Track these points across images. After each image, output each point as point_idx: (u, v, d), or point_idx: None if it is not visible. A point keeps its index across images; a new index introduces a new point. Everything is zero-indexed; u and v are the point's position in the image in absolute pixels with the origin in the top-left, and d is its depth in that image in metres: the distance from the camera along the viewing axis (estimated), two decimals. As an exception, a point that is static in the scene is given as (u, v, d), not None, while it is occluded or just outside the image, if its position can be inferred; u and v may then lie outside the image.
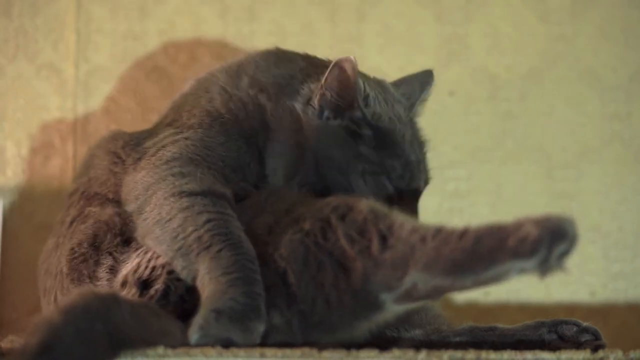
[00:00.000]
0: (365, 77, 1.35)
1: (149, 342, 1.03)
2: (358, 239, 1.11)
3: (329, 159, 1.28)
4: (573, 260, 1.67)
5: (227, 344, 1.06)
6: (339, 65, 1.27)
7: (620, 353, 1.10)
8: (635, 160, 1.75)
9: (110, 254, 1.23)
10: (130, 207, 1.25)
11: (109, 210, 1.27)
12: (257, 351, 1.04)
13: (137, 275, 1.19)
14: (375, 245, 1.09)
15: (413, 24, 1.77)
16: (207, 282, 1.12)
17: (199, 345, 1.06)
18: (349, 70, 1.27)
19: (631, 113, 1.76)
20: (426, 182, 1.37)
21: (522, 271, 1.02)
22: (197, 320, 1.08)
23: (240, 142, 1.31)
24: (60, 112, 1.77)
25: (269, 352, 1.04)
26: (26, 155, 1.75)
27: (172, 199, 1.20)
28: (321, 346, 1.07)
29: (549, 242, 0.99)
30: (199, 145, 1.28)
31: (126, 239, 1.24)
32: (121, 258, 1.22)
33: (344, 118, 1.29)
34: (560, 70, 1.77)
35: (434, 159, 1.74)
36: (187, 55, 1.77)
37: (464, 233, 1.05)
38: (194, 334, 1.07)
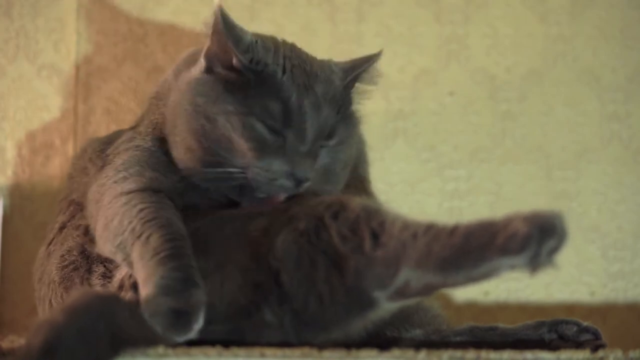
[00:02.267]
0: (269, 37, 1.32)
1: (149, 342, 1.04)
2: (350, 237, 1.11)
3: (197, 107, 1.24)
4: (572, 260, 1.71)
5: (174, 319, 1.06)
6: (213, 16, 1.25)
7: (619, 353, 1.11)
8: (634, 160, 1.75)
9: (102, 262, 1.24)
10: (90, 224, 1.28)
11: None
12: (257, 351, 1.05)
13: (132, 280, 1.19)
14: (368, 243, 1.09)
15: (413, 24, 1.78)
16: (140, 269, 1.13)
17: (154, 327, 1.06)
18: (216, 18, 1.25)
19: (630, 113, 1.76)
20: (328, 136, 1.28)
21: (512, 267, 1.02)
22: (142, 307, 1.09)
23: None
24: (61, 112, 1.77)
25: (269, 351, 1.05)
26: (26, 155, 1.75)
27: (114, 200, 1.23)
28: (321, 346, 1.08)
29: (538, 238, 1.00)
30: (146, 154, 1.29)
31: None
32: (112, 266, 1.24)
33: (227, 68, 1.26)
34: (560, 70, 1.77)
35: (434, 159, 1.76)
36: (187, 55, 1.77)
37: (454, 230, 1.05)
38: (146, 317, 1.07)
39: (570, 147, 1.75)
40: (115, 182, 1.26)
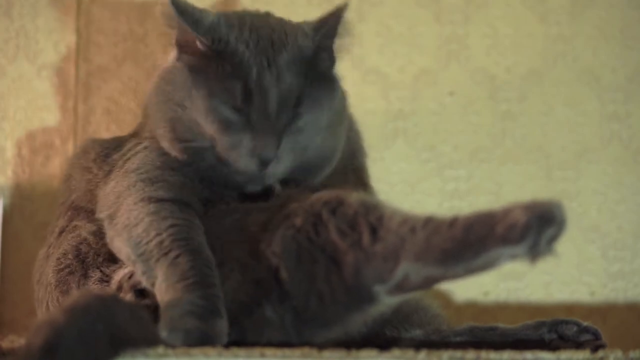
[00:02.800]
0: (234, 14, 1.31)
1: (149, 342, 1.04)
2: (349, 232, 1.11)
3: (167, 94, 1.26)
4: (572, 260, 1.71)
5: (196, 337, 1.06)
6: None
7: (619, 353, 1.11)
8: (634, 160, 1.75)
9: (98, 268, 1.24)
10: (102, 214, 1.26)
11: (91, 229, 1.29)
12: (257, 351, 1.05)
13: (131, 283, 1.19)
14: (366, 237, 1.09)
15: (413, 24, 1.78)
16: (165, 289, 1.13)
17: (171, 341, 1.06)
18: (167, 7, 1.25)
19: (630, 113, 1.76)
20: (292, 106, 1.25)
21: (512, 257, 1.02)
22: (162, 322, 1.09)
23: None
24: (61, 112, 1.77)
25: (269, 351, 1.04)
26: (26, 155, 1.75)
27: (141, 204, 1.21)
28: (321, 346, 1.08)
29: (537, 227, 0.99)
30: (155, 152, 1.29)
31: (110, 258, 1.25)
32: (108, 271, 1.23)
33: (194, 53, 1.26)
34: (560, 70, 1.77)
35: (434, 159, 1.76)
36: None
37: (453, 222, 1.05)
38: (162, 333, 1.07)
39: (570, 147, 1.75)
40: (142, 181, 1.24)
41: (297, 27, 1.31)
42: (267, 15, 1.34)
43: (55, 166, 1.75)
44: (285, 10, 1.77)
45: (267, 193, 1.26)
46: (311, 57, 1.28)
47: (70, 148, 1.76)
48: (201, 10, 1.27)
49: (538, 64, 1.77)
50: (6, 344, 1.17)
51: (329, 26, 1.30)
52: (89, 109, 1.77)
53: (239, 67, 1.23)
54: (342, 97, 1.36)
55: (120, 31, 1.78)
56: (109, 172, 1.31)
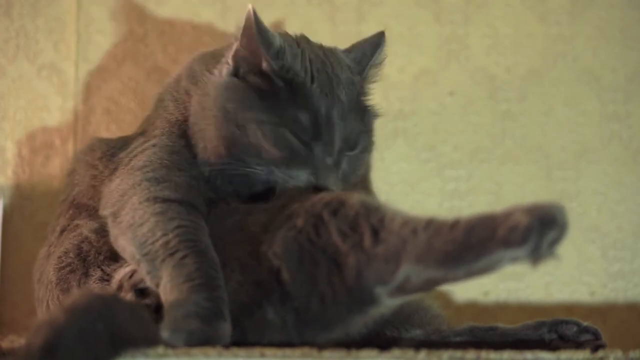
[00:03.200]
0: (287, 34, 1.33)
1: (149, 342, 1.04)
2: (350, 234, 1.11)
3: (227, 113, 1.25)
4: (572, 260, 1.71)
5: (199, 339, 1.06)
6: (245, 18, 1.25)
7: (620, 353, 1.11)
8: (634, 160, 1.75)
9: (99, 267, 1.24)
10: (106, 212, 1.26)
11: (93, 227, 1.29)
12: (257, 351, 1.05)
13: (132, 282, 1.19)
14: (367, 239, 1.09)
15: (413, 24, 1.78)
16: (170, 289, 1.13)
17: (172, 342, 1.06)
18: (248, 20, 1.25)
19: (630, 113, 1.76)
20: (352, 146, 1.29)
21: (513, 260, 1.02)
22: (165, 323, 1.09)
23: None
24: (61, 112, 1.77)
25: (269, 352, 1.05)
26: (26, 155, 1.75)
27: (146, 204, 1.21)
28: (321, 346, 1.08)
29: (539, 229, 1.00)
30: (165, 150, 1.29)
31: (111, 256, 1.25)
32: (109, 270, 1.23)
33: (256, 72, 1.26)
34: (560, 70, 1.77)
35: (434, 159, 1.76)
36: (187, 55, 1.76)
37: (454, 224, 1.05)
38: (165, 334, 1.07)
39: (570, 147, 1.75)
40: (147, 180, 1.24)
41: (343, 61, 1.33)
42: (308, 40, 1.35)
43: (55, 166, 1.75)
44: (285, 10, 1.78)
45: (267, 193, 1.26)
46: (359, 91, 1.32)
47: (70, 148, 1.76)
48: (272, 33, 1.28)
49: (538, 64, 1.77)
50: (6, 344, 1.17)
51: (370, 59, 1.34)
52: (88, 109, 1.77)
53: (308, 99, 1.25)
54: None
55: (120, 31, 1.78)
56: (115, 170, 1.32)
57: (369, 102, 1.36)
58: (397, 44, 1.77)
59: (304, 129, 1.24)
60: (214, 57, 1.34)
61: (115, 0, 1.78)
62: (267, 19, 1.76)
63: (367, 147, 1.33)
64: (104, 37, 1.78)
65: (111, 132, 1.73)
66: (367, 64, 1.34)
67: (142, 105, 1.76)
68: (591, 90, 1.76)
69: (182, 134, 1.31)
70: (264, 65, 1.25)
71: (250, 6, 1.25)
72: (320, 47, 1.34)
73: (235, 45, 1.28)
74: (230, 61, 1.28)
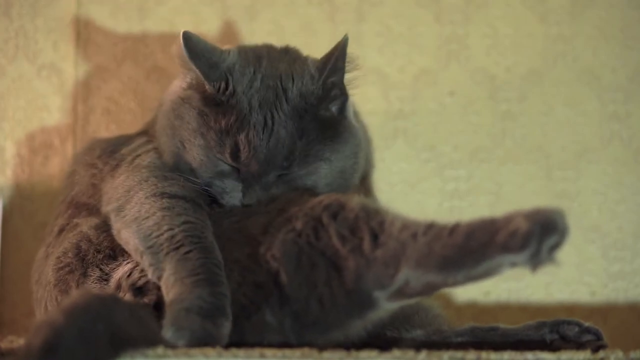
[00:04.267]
0: (249, 51, 1.33)
1: (149, 342, 1.03)
2: (350, 237, 1.11)
3: (174, 129, 1.29)
4: (572, 261, 1.71)
5: (201, 338, 1.06)
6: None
7: (620, 353, 1.10)
8: (634, 160, 1.75)
9: (97, 266, 1.24)
10: (110, 207, 1.26)
11: (93, 223, 1.28)
12: (257, 351, 1.05)
13: (130, 281, 1.19)
14: (367, 243, 1.09)
15: (413, 24, 1.78)
16: (172, 283, 1.13)
17: (174, 341, 1.06)
18: (179, 48, 1.27)
19: (630, 113, 1.76)
20: (286, 166, 1.27)
21: (513, 265, 1.02)
22: (167, 319, 1.09)
23: None
24: (60, 112, 1.77)
25: (269, 352, 1.04)
26: (26, 155, 1.74)
27: (153, 199, 1.22)
28: (321, 346, 1.07)
29: (539, 235, 0.99)
30: (167, 152, 1.30)
31: (110, 254, 1.24)
32: (108, 269, 1.23)
33: (201, 92, 1.28)
34: (560, 70, 1.77)
35: (434, 159, 1.76)
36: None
37: (454, 228, 1.05)
38: (167, 331, 1.07)
39: (570, 147, 1.75)
40: (155, 177, 1.26)
41: (305, 69, 1.31)
42: (285, 52, 1.35)
43: (55, 166, 1.75)
44: (285, 10, 1.78)
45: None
46: (316, 102, 1.29)
47: (69, 148, 1.76)
48: (220, 52, 1.29)
49: (538, 64, 1.77)
50: (5, 344, 1.17)
51: (333, 63, 1.29)
52: (88, 108, 1.77)
53: (237, 122, 1.26)
54: (355, 135, 1.34)
55: (119, 31, 1.78)
56: (116, 166, 1.32)
57: (334, 112, 1.31)
58: (397, 44, 1.77)
59: (226, 154, 1.25)
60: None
61: (115, 0, 1.78)
62: (267, 19, 1.77)
63: (327, 158, 1.28)
64: (103, 37, 1.78)
65: (111, 132, 1.73)
66: (325, 71, 1.29)
67: (142, 105, 1.76)
68: (591, 90, 1.76)
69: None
70: (207, 87, 1.27)
71: (180, 34, 1.26)
72: (290, 60, 1.33)
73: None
74: (188, 77, 1.30)
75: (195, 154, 1.27)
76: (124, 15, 1.78)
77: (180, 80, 1.34)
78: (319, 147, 1.28)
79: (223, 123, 1.26)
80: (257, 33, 1.76)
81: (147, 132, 1.38)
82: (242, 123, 1.25)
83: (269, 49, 1.35)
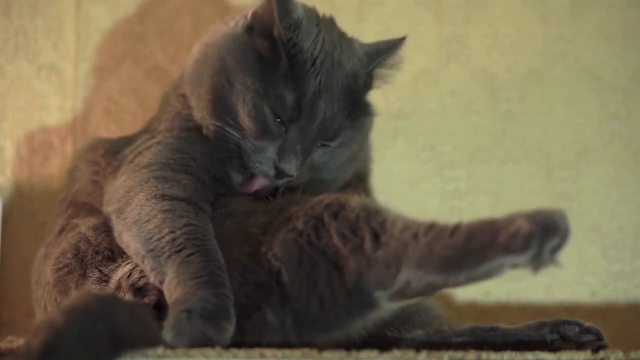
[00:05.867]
0: (312, 11, 1.32)
1: (148, 342, 1.03)
2: (351, 237, 1.11)
3: (224, 65, 1.26)
4: (573, 261, 1.71)
5: (201, 342, 1.05)
6: None
7: (620, 353, 1.10)
8: (634, 160, 1.75)
9: (96, 267, 1.23)
10: (110, 208, 1.25)
11: (91, 224, 1.28)
12: (257, 351, 1.04)
13: (130, 282, 1.19)
14: (368, 243, 1.09)
15: (413, 24, 1.77)
16: (175, 285, 1.12)
17: (174, 344, 1.05)
18: None
19: (630, 113, 1.76)
20: (331, 137, 1.28)
21: (514, 266, 1.02)
22: (169, 321, 1.08)
23: (203, 136, 1.31)
24: (60, 112, 1.76)
25: (269, 352, 1.04)
26: (25, 155, 1.74)
27: (153, 201, 1.21)
28: (321, 346, 1.07)
29: (540, 236, 0.99)
30: (170, 149, 1.29)
31: (109, 256, 1.24)
32: (107, 270, 1.22)
33: (266, 36, 1.26)
34: (560, 70, 1.77)
35: (434, 159, 1.75)
36: (187, 55, 1.76)
37: (455, 229, 1.05)
38: (167, 334, 1.07)
39: (570, 147, 1.75)
40: (155, 178, 1.24)
41: (355, 50, 1.33)
42: (332, 22, 1.35)
43: (54, 166, 1.75)
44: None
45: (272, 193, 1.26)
46: (362, 86, 1.32)
47: (69, 148, 1.76)
48: (295, 2, 1.27)
49: (538, 63, 1.77)
50: (5, 344, 1.17)
51: (383, 57, 1.33)
52: (88, 108, 1.77)
53: (301, 82, 1.24)
54: (369, 129, 1.38)
55: (119, 31, 1.77)
56: (118, 167, 1.31)
57: (368, 100, 1.35)
58: (397, 44, 1.77)
59: (285, 108, 1.24)
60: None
61: (115, 0, 1.78)
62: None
63: (348, 143, 1.31)
64: (103, 36, 1.77)
65: (110, 131, 1.73)
66: (377, 60, 1.33)
67: (141, 105, 1.76)
68: (591, 90, 1.76)
69: (185, 127, 1.31)
70: (275, 31, 1.25)
71: None
72: (340, 33, 1.34)
73: (258, 3, 1.28)
74: (248, 16, 1.28)
75: (245, 98, 1.24)
76: (124, 15, 1.78)
77: (229, 23, 1.31)
78: (353, 130, 1.31)
79: (285, 76, 1.24)
80: (257, 33, 1.76)
81: (148, 130, 1.37)
82: (305, 85, 1.24)
83: (322, 14, 1.35)
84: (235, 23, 1.30)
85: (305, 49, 1.26)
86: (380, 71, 1.34)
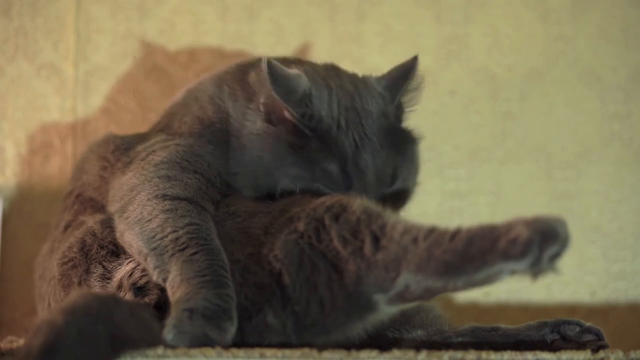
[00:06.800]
0: (313, 71, 1.31)
1: (149, 343, 1.03)
2: (351, 239, 1.11)
3: (262, 162, 1.25)
4: (573, 261, 1.71)
5: (202, 342, 1.05)
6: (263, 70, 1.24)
7: (620, 353, 1.10)
8: (635, 160, 1.75)
9: (100, 263, 1.23)
10: (113, 207, 1.25)
11: (98, 219, 1.28)
12: (257, 351, 1.04)
13: (131, 280, 1.19)
14: (368, 246, 1.09)
15: (413, 24, 1.77)
16: (178, 284, 1.12)
17: (174, 344, 1.05)
18: (263, 74, 1.24)
19: (631, 113, 1.76)
20: (390, 181, 1.28)
21: (513, 272, 1.02)
22: (170, 320, 1.08)
23: (226, 148, 1.30)
24: (60, 112, 1.76)
25: (269, 352, 1.04)
26: (26, 155, 1.74)
27: (155, 201, 1.21)
28: (321, 347, 1.07)
29: (539, 243, 0.99)
30: (188, 151, 1.28)
31: (113, 250, 1.24)
32: (110, 267, 1.22)
33: (283, 122, 1.25)
34: (560, 70, 1.77)
35: (434, 159, 1.75)
36: (187, 55, 1.76)
37: (455, 234, 1.05)
38: (168, 334, 1.06)
39: (571, 147, 1.75)
40: (158, 177, 1.23)
41: (373, 89, 1.31)
42: (338, 71, 1.34)
43: (55, 166, 1.75)
44: (285, 10, 1.77)
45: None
46: (395, 120, 1.31)
47: (69, 148, 1.75)
48: (294, 77, 1.25)
49: (539, 63, 1.77)
50: (5, 344, 1.17)
51: (403, 86, 1.31)
52: (88, 108, 1.77)
53: (335, 148, 1.24)
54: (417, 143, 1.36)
55: (119, 30, 1.77)
56: (129, 163, 1.30)
57: (407, 128, 1.34)
58: (397, 44, 1.77)
59: (334, 180, 1.23)
60: (242, 72, 1.33)
61: (115, 0, 1.78)
62: (267, 19, 1.76)
63: (409, 176, 1.31)
64: (103, 36, 1.77)
65: (110, 131, 1.73)
66: (400, 90, 1.32)
67: (141, 105, 1.75)
68: (592, 90, 1.76)
69: (213, 140, 1.30)
70: (287, 114, 1.24)
71: (264, 59, 1.23)
72: (352, 78, 1.33)
73: (262, 96, 1.27)
74: (261, 108, 1.27)
75: (293, 187, 1.23)
76: (124, 15, 1.77)
77: (244, 103, 1.30)
78: (407, 162, 1.30)
79: (320, 149, 1.24)
80: (257, 33, 1.76)
81: (166, 127, 1.36)
82: (341, 149, 1.24)
83: (324, 67, 1.34)
84: (253, 119, 1.28)
85: (325, 115, 1.25)
86: (406, 97, 1.33)
